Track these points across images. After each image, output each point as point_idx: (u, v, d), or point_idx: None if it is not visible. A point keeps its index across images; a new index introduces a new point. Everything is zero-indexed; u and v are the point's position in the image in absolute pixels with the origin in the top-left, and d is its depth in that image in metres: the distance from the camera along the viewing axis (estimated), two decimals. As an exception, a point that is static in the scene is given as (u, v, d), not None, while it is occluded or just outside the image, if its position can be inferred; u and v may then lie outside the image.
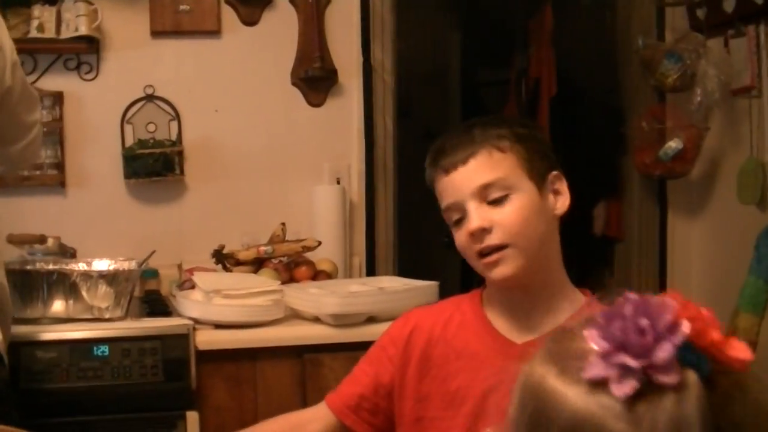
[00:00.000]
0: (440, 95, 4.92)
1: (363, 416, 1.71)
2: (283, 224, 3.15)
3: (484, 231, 1.55)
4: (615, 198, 3.83)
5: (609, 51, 3.93)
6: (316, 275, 3.05)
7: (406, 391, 1.68)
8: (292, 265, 3.06)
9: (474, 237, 1.56)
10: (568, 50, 4.20)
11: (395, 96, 3.48)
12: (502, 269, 1.56)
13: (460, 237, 1.60)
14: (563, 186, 1.62)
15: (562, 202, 1.61)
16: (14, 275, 2.57)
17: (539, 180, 1.58)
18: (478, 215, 1.55)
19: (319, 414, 1.75)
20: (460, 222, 1.59)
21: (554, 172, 1.61)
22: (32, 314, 2.61)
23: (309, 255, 3.11)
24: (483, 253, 1.57)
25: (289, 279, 3.00)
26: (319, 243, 3.10)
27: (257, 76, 3.41)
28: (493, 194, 1.55)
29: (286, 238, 3.12)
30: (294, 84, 3.43)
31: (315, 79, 3.41)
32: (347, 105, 3.46)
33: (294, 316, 2.78)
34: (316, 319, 2.71)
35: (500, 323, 1.64)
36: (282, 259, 3.08)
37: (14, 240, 2.92)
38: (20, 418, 1.96)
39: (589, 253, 4.08)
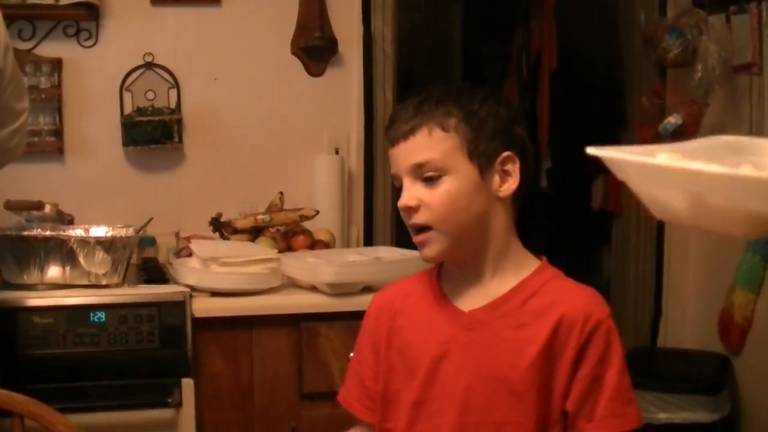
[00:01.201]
0: (441, 68, 4.91)
1: (366, 404, 1.72)
2: (281, 193, 3.15)
3: (411, 209, 1.57)
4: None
5: (611, 26, 3.92)
6: (314, 245, 3.05)
7: (381, 367, 1.69)
8: (290, 234, 3.06)
9: (403, 212, 1.59)
10: (570, 24, 4.19)
11: (395, 67, 3.46)
12: (427, 251, 1.59)
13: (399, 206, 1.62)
14: (514, 168, 1.59)
15: (508, 185, 1.58)
16: (11, 241, 2.58)
17: (484, 161, 1.56)
18: (408, 193, 1.57)
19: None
20: (400, 192, 1.61)
21: (506, 153, 1.58)
22: (29, 280, 2.61)
23: (307, 224, 3.10)
24: (413, 229, 1.60)
25: (287, 248, 3.00)
26: (317, 212, 3.09)
27: (257, 46, 3.40)
28: (426, 172, 1.56)
29: (284, 207, 3.12)
30: (294, 53, 3.42)
31: (315, 48, 3.40)
32: (347, 75, 3.44)
33: (291, 284, 2.79)
34: (313, 288, 2.71)
35: (452, 293, 1.65)
36: (279, 228, 3.07)
37: (12, 206, 2.91)
38: (16, 383, 1.96)
39: (587, 228, 4.09)
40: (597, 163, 1.04)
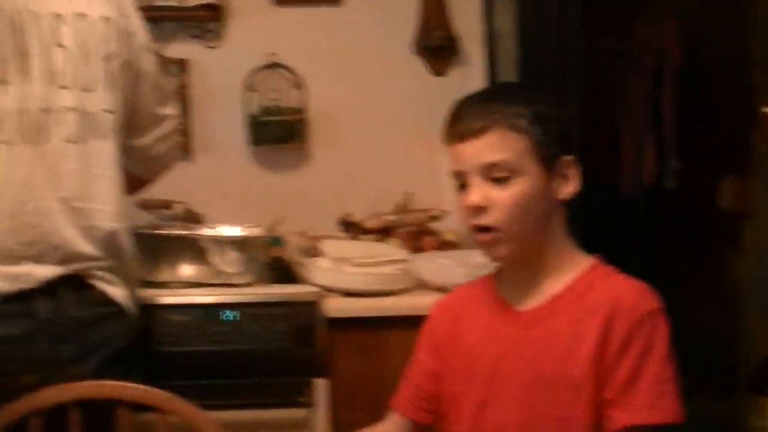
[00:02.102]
0: (561, 64, 4.83)
1: (422, 405, 1.76)
2: (409, 193, 3.14)
3: (481, 209, 1.58)
4: (744, 172, 3.72)
5: (739, 21, 3.81)
6: (442, 245, 3.03)
7: (442, 371, 1.73)
8: (418, 234, 3.04)
9: (471, 211, 1.59)
10: (695, 20, 4.08)
11: (517, 64, 3.41)
12: (494, 252, 1.62)
13: (460, 202, 1.64)
14: (574, 172, 1.63)
15: (569, 188, 1.63)
16: (145, 239, 2.59)
17: (549, 163, 1.60)
18: (477, 192, 1.58)
19: (388, 425, 1.81)
20: (462, 188, 1.63)
21: (567, 157, 1.62)
22: (163, 278, 2.64)
23: (434, 224, 3.08)
24: (477, 229, 1.60)
25: (415, 248, 2.99)
26: (445, 213, 3.06)
27: (379, 45, 3.39)
28: (497, 173, 1.57)
29: (412, 207, 3.11)
30: (415, 53, 3.40)
31: (436, 47, 3.38)
32: (470, 73, 3.40)
33: (420, 285, 2.77)
34: (444, 289, 2.68)
35: (507, 293, 1.69)
36: (408, 228, 3.06)
37: (144, 205, 2.95)
38: (150, 379, 1.99)
39: (712, 229, 3.98)
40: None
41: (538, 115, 1.59)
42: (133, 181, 2.41)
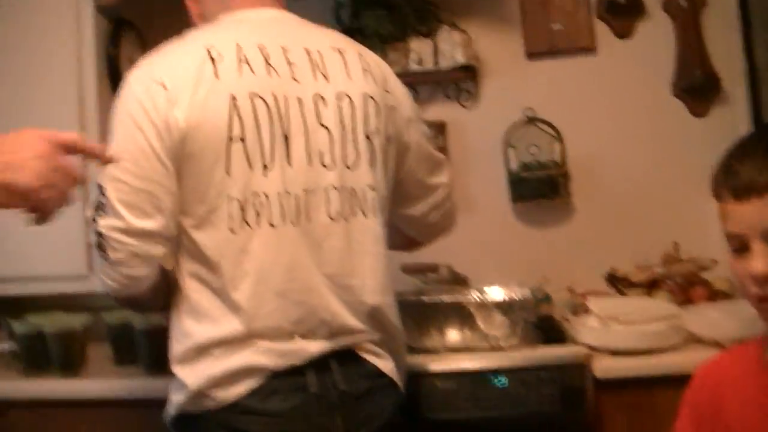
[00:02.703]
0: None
1: None
2: (676, 243, 3.04)
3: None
4: None
5: None
6: (713, 295, 2.91)
7: None
8: (687, 285, 2.94)
9: (754, 280, 1.43)
10: None
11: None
12: None
13: (737, 267, 1.48)
14: None
15: None
16: (410, 307, 2.64)
17: None
18: (763, 260, 1.42)
19: None
20: (740, 252, 1.47)
21: None
22: (429, 344, 2.67)
23: (704, 273, 2.97)
24: (763, 299, 1.44)
25: (684, 300, 2.89)
26: (716, 262, 2.95)
27: (636, 90, 3.32)
28: None
29: (680, 258, 3.01)
30: (675, 95, 3.31)
31: (696, 87, 3.27)
32: (732, 113, 3.27)
33: (692, 340, 2.67)
34: (717, 344, 2.58)
35: None
36: (676, 279, 2.96)
37: (408, 269, 3.02)
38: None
39: None
40: None
41: None
42: (407, 241, 2.46)
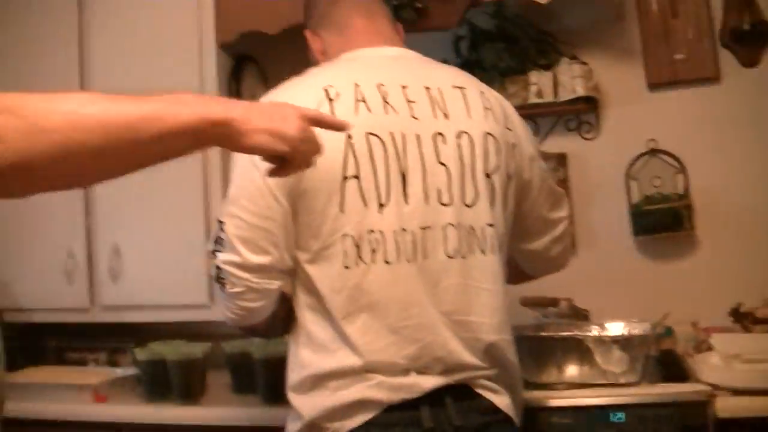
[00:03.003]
0: None
1: None
2: (804, 278, 2.95)
3: None
4: None
5: None
6: None
7: None
8: (818, 322, 2.84)
9: None
10: None
11: None
12: None
13: None
14: None
15: None
16: (529, 341, 2.62)
17: None
18: None
19: None
20: None
21: None
22: (547, 379, 2.64)
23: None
24: None
25: (813, 337, 2.79)
26: None
27: (763, 120, 3.22)
28: None
29: (810, 292, 2.92)
30: (801, 122, 3.21)
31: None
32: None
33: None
34: None
35: None
36: (804, 316, 2.87)
37: (528, 303, 3.00)
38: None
39: None
40: None
41: None
42: (518, 274, 2.45)
